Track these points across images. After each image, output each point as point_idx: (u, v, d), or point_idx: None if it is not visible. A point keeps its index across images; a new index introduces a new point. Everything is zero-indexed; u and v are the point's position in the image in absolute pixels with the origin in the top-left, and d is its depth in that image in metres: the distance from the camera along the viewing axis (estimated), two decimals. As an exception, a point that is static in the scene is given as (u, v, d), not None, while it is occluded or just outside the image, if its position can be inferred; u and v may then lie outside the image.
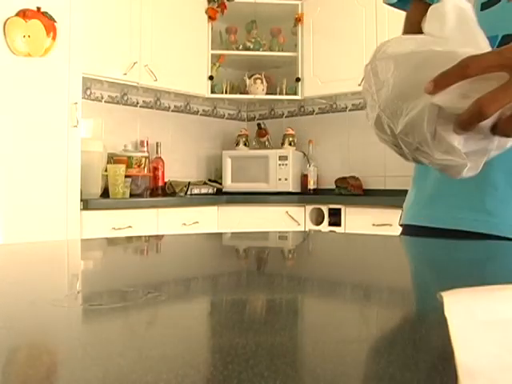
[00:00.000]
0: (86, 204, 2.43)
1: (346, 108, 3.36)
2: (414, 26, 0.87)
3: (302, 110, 3.59)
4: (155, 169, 3.13)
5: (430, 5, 0.81)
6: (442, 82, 0.50)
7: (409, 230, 0.78)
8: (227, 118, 3.82)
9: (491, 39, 0.68)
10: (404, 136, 0.52)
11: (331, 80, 3.09)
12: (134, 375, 0.19)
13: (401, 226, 0.81)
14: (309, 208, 2.79)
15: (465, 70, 0.49)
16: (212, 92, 3.38)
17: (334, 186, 3.04)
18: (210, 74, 3.33)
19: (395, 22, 0.97)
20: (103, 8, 2.74)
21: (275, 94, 3.43)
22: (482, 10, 0.70)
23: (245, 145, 3.53)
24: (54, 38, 2.33)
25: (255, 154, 3.26)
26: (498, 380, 0.18)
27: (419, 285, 0.37)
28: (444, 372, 0.19)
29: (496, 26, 0.68)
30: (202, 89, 3.33)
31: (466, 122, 0.49)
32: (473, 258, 0.53)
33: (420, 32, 0.79)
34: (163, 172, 3.18)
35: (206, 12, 3.30)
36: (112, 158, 2.86)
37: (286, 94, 3.39)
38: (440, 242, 0.64)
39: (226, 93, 3.45)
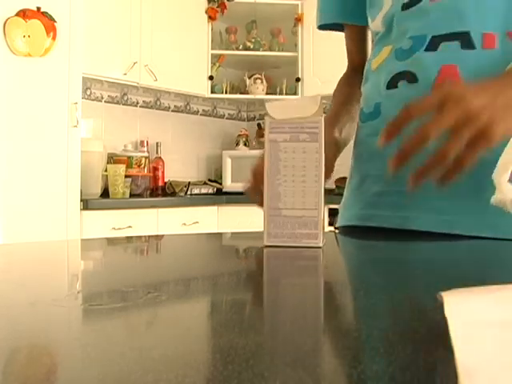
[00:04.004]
0: (86, 204, 2.43)
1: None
2: (357, 55, 0.91)
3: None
4: (155, 169, 3.13)
5: (362, 28, 0.84)
6: (392, 131, 0.54)
7: (346, 231, 0.79)
8: (227, 118, 3.82)
9: (418, 38, 0.69)
10: None
11: (331, 80, 3.08)
12: (133, 375, 0.19)
13: (336, 228, 0.83)
14: (309, 208, 2.78)
15: (408, 113, 0.53)
16: (212, 92, 3.38)
17: (333, 186, 3.04)
18: (210, 74, 3.33)
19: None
20: (103, 8, 2.74)
21: (275, 94, 3.43)
22: (402, 9, 0.71)
23: (245, 145, 3.53)
24: (54, 38, 2.33)
25: (255, 154, 3.26)
26: (498, 380, 0.18)
27: (419, 285, 0.37)
28: (444, 372, 0.19)
29: (422, 26, 0.69)
30: (202, 89, 3.33)
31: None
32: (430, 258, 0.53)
33: (358, 56, 0.85)
34: (163, 172, 3.18)
35: (205, 12, 3.30)
36: (112, 158, 2.86)
37: (286, 94, 3.39)
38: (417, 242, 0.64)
39: (226, 93, 3.45)
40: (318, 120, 0.54)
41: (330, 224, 2.80)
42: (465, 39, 0.65)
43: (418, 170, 0.54)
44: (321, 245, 0.54)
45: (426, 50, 0.67)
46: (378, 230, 0.74)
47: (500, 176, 0.48)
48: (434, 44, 0.67)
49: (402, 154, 0.53)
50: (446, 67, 0.66)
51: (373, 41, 0.83)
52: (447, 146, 0.52)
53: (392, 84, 0.72)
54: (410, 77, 0.69)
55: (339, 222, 0.83)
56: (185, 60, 3.17)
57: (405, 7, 0.70)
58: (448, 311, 0.25)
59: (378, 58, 0.76)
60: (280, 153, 0.53)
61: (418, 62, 0.68)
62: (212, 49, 3.34)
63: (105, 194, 2.71)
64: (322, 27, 0.90)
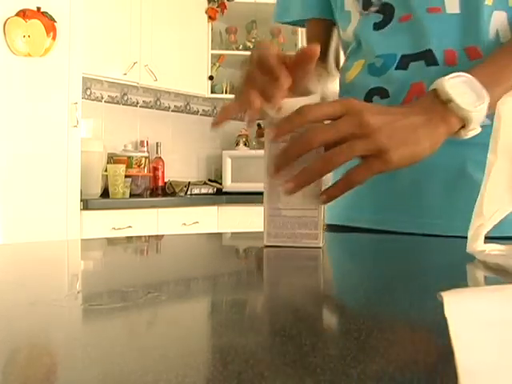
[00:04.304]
0: (86, 204, 2.43)
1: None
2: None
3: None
4: (155, 169, 3.13)
5: (328, 21, 0.84)
6: (284, 128, 0.51)
7: (330, 229, 0.81)
8: (227, 118, 3.81)
9: (388, 57, 0.71)
10: None
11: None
12: (133, 375, 0.19)
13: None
14: (309, 208, 2.79)
15: (303, 116, 0.50)
16: (212, 92, 3.38)
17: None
18: (210, 74, 3.33)
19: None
20: (103, 8, 2.74)
21: (275, 93, 3.42)
22: (374, 29, 0.72)
23: (245, 145, 3.53)
24: (54, 38, 2.33)
25: (255, 154, 3.26)
26: (499, 380, 0.18)
27: (419, 284, 0.37)
28: (444, 372, 0.19)
29: (392, 45, 0.71)
30: (202, 89, 3.33)
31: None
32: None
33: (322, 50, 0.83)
34: (163, 172, 3.18)
35: (206, 12, 3.30)
36: (112, 158, 2.86)
37: (286, 93, 3.39)
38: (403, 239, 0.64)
39: (226, 93, 3.45)
40: None
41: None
42: (429, 57, 0.67)
43: (296, 175, 0.51)
44: (321, 245, 0.54)
45: (397, 68, 0.70)
46: (361, 230, 0.76)
47: (474, 244, 0.47)
48: (403, 63, 0.70)
49: (283, 156, 0.51)
50: (415, 85, 0.68)
51: (344, 49, 0.84)
52: (333, 152, 0.50)
53: (367, 99, 0.73)
54: (383, 93, 0.71)
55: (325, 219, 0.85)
56: (185, 60, 3.17)
57: (377, 27, 0.72)
58: (448, 311, 0.25)
59: (352, 72, 0.77)
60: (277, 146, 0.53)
61: (390, 80, 0.70)
62: (212, 49, 3.34)
63: (105, 194, 2.71)
64: (282, 22, 0.91)
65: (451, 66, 0.66)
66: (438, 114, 0.54)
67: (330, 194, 0.52)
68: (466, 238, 0.47)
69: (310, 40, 0.91)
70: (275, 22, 0.91)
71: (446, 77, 0.55)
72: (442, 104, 0.54)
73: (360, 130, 0.50)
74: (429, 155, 0.54)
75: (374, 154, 0.51)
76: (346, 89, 0.79)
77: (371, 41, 0.73)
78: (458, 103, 0.53)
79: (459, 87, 0.54)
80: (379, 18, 0.72)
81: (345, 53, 0.83)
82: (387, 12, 0.71)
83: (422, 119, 0.53)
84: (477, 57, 0.65)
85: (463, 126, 0.55)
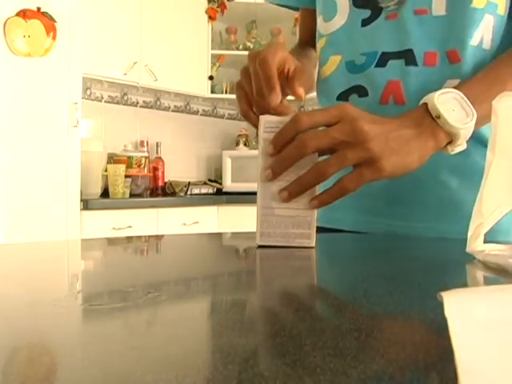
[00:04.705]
0: (86, 204, 2.43)
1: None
2: (306, 32, 0.92)
3: (303, 109, 3.59)
4: (155, 169, 3.14)
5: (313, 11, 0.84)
6: (279, 142, 0.53)
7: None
8: (227, 118, 3.82)
9: (371, 55, 0.71)
10: None
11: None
12: (133, 375, 0.19)
13: None
14: (309, 208, 2.79)
15: (299, 125, 0.51)
16: (212, 92, 3.38)
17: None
18: (210, 74, 3.33)
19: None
20: (103, 8, 2.74)
21: (275, 93, 3.42)
22: (362, 25, 0.72)
23: (245, 145, 3.53)
24: (54, 38, 2.33)
25: (255, 154, 3.25)
26: (499, 380, 0.18)
27: (419, 284, 0.37)
28: (444, 372, 0.19)
29: (375, 42, 0.70)
30: (202, 89, 3.33)
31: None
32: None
33: (311, 38, 0.84)
34: (163, 172, 3.18)
35: (206, 12, 3.30)
36: (112, 158, 2.86)
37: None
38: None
39: (226, 93, 3.45)
40: None
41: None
42: (409, 56, 0.67)
43: (290, 185, 0.52)
44: (313, 245, 0.54)
45: (376, 65, 0.70)
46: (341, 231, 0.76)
47: (473, 244, 0.47)
48: (383, 60, 0.69)
49: (279, 162, 0.52)
50: (392, 82, 0.68)
51: (316, 39, 0.81)
52: (326, 163, 0.51)
53: (342, 97, 0.73)
54: (362, 91, 0.71)
55: None
56: (185, 60, 3.17)
57: (364, 23, 0.71)
58: (448, 311, 0.25)
59: (327, 67, 0.76)
60: (270, 147, 0.53)
61: (369, 77, 0.70)
62: (212, 49, 3.34)
63: (105, 193, 2.71)
64: (274, 3, 0.90)
65: (430, 67, 0.66)
66: (428, 128, 0.55)
67: (321, 200, 0.53)
68: (448, 239, 0.47)
69: (302, 28, 0.92)
70: (268, 2, 0.91)
71: (437, 92, 0.56)
72: (432, 119, 0.55)
73: (353, 138, 0.51)
74: (417, 168, 0.55)
75: (366, 162, 0.51)
76: (321, 84, 0.79)
77: (356, 37, 0.72)
78: (447, 119, 0.54)
79: (448, 103, 0.55)
80: (367, 14, 0.71)
81: (315, 42, 0.81)
82: (375, 9, 0.70)
83: (413, 132, 0.55)
84: (456, 61, 0.65)
85: (450, 142, 0.56)
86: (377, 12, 0.70)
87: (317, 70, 0.82)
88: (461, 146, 0.57)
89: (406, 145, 0.54)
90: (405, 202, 0.71)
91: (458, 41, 0.65)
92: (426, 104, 0.56)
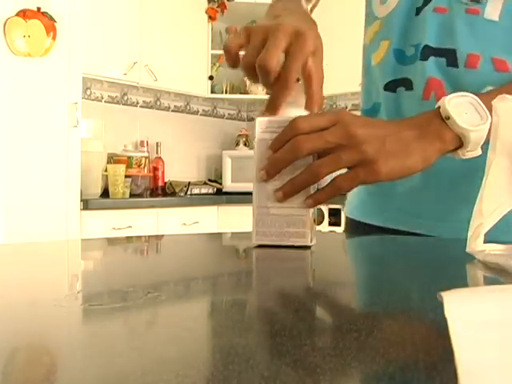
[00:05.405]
0: (86, 204, 2.44)
1: (346, 108, 3.36)
2: None
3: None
4: (155, 169, 3.14)
5: None
6: (276, 147, 0.52)
7: (355, 224, 0.81)
8: (227, 118, 3.82)
9: (417, 46, 0.69)
10: None
11: (331, 80, 3.10)
12: (133, 375, 0.19)
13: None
14: (309, 208, 2.79)
15: (296, 130, 0.51)
16: (212, 92, 3.38)
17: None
18: (210, 74, 3.33)
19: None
20: (103, 8, 2.74)
21: (275, 93, 3.42)
22: (416, 14, 0.70)
23: (245, 145, 3.53)
24: (54, 38, 2.33)
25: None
26: (499, 380, 0.18)
27: (419, 284, 0.37)
28: (444, 372, 0.19)
29: (421, 33, 0.68)
30: (202, 89, 3.33)
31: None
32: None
33: None
34: (163, 172, 3.18)
35: (206, 12, 3.30)
36: (112, 158, 2.86)
37: (286, 93, 3.39)
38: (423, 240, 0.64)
39: (226, 93, 3.45)
40: None
41: (330, 224, 2.80)
42: (451, 56, 0.66)
43: (284, 186, 0.53)
44: (309, 243, 0.54)
45: (421, 59, 0.68)
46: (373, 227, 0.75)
47: (473, 244, 0.47)
48: (425, 54, 0.68)
49: (273, 164, 0.52)
50: (433, 79, 0.67)
51: (367, 22, 0.80)
52: (320, 163, 0.51)
53: (390, 87, 0.72)
54: (408, 84, 0.70)
55: (346, 207, 0.85)
56: (185, 60, 3.17)
57: (417, 12, 0.69)
58: (448, 311, 0.25)
59: (377, 53, 0.75)
60: (268, 151, 0.53)
61: (414, 71, 0.69)
62: (212, 49, 3.35)
63: (105, 194, 2.71)
64: None
65: (471, 69, 0.64)
66: (434, 130, 0.54)
67: (316, 199, 0.53)
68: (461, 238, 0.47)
69: None
70: None
71: (452, 95, 0.54)
72: (441, 120, 0.54)
73: (347, 141, 0.51)
74: (421, 170, 0.54)
75: (361, 163, 0.51)
76: (371, 73, 0.77)
77: (408, 25, 0.70)
78: (456, 120, 0.53)
79: (461, 106, 0.54)
80: (420, 2, 0.69)
81: (366, 25, 0.79)
82: None
83: (414, 134, 0.54)
84: (503, 69, 0.63)
85: (461, 146, 0.55)
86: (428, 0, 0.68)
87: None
88: (474, 151, 0.55)
89: (406, 147, 0.53)
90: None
91: (509, 50, 0.63)
92: (438, 107, 0.55)
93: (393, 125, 0.55)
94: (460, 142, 0.54)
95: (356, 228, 0.80)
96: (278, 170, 0.53)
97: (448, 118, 0.54)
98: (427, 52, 0.67)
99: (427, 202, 0.71)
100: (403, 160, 0.53)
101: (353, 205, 0.82)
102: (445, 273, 0.42)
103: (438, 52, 0.67)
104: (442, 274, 0.41)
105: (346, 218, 0.85)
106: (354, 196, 0.83)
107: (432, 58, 0.67)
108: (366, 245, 0.66)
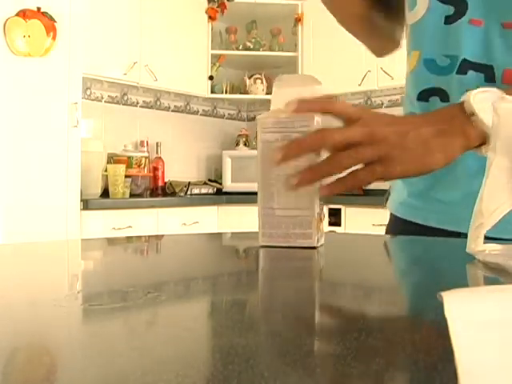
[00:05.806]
0: (86, 204, 2.43)
1: (346, 108, 3.36)
2: None
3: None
4: (155, 169, 3.13)
5: None
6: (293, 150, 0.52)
7: (398, 221, 0.80)
8: (227, 118, 3.82)
9: (454, 58, 0.68)
10: None
11: (331, 80, 3.10)
12: (133, 375, 0.19)
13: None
14: (309, 208, 2.79)
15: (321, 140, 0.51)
16: (212, 92, 3.38)
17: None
18: (210, 74, 3.33)
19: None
20: (103, 8, 2.74)
21: (275, 93, 3.42)
22: (445, 23, 0.69)
23: (245, 145, 3.53)
24: (54, 38, 2.33)
25: (255, 154, 3.25)
26: (499, 380, 0.18)
27: (419, 284, 0.37)
28: (444, 372, 0.19)
29: (458, 45, 0.67)
30: (202, 89, 3.33)
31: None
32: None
33: None
34: (163, 172, 3.18)
35: (206, 12, 3.30)
36: (112, 158, 2.86)
37: (286, 94, 3.39)
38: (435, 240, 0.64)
39: (226, 93, 3.45)
40: (310, 118, 0.53)
41: (331, 224, 2.80)
42: (488, 72, 0.65)
43: (302, 172, 0.51)
44: (315, 244, 0.54)
45: (457, 72, 0.67)
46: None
47: (473, 244, 0.47)
48: (463, 68, 0.67)
49: (295, 146, 0.52)
50: None
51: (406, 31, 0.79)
52: (343, 154, 0.51)
53: (423, 97, 0.71)
54: (443, 95, 0.69)
55: (390, 201, 0.85)
56: (185, 60, 3.17)
57: (448, 21, 0.68)
58: (448, 311, 0.25)
59: (411, 62, 0.74)
60: (272, 152, 0.53)
61: (451, 83, 0.68)
62: (212, 49, 3.34)
63: (105, 193, 2.71)
64: None
65: (508, 85, 0.63)
66: (459, 126, 0.53)
67: (331, 189, 0.53)
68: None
69: None
70: None
71: (476, 90, 0.54)
72: (465, 116, 0.53)
73: (368, 139, 0.51)
74: (443, 166, 0.53)
75: (379, 160, 0.51)
76: (408, 78, 0.76)
77: (438, 35, 0.69)
78: (481, 118, 0.52)
79: (486, 102, 0.52)
80: (450, 10, 0.68)
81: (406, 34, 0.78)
82: (459, 7, 0.67)
83: (434, 130, 0.53)
84: None
85: (485, 142, 0.54)
86: (462, 10, 0.67)
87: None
88: None
89: (425, 144, 0.52)
90: None
91: None
92: (462, 102, 0.54)
93: (414, 121, 0.55)
94: (484, 139, 0.53)
95: (401, 226, 0.79)
96: (296, 154, 0.51)
97: (472, 114, 0.53)
98: (466, 66, 0.67)
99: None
100: (421, 157, 0.52)
101: (397, 202, 0.81)
102: (445, 273, 0.42)
103: (476, 67, 0.66)
104: (442, 274, 0.41)
105: (391, 214, 0.84)
106: (398, 194, 0.82)
107: (471, 73, 0.66)
108: (366, 244, 0.66)
